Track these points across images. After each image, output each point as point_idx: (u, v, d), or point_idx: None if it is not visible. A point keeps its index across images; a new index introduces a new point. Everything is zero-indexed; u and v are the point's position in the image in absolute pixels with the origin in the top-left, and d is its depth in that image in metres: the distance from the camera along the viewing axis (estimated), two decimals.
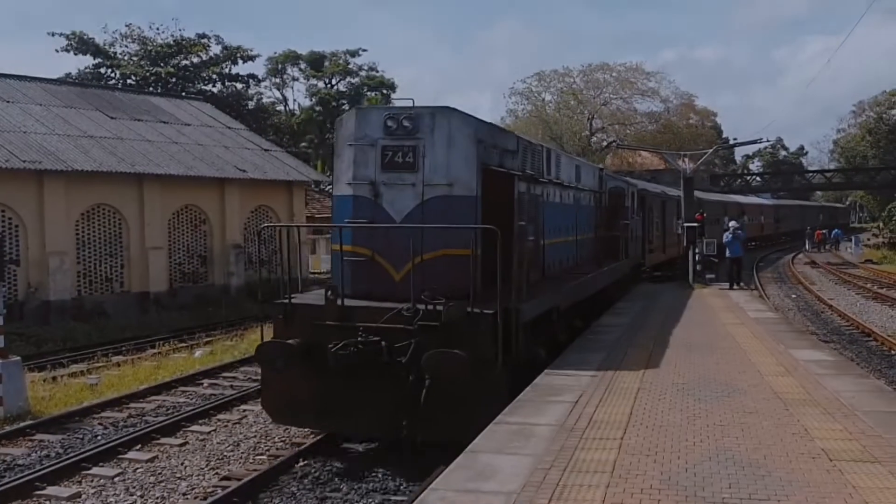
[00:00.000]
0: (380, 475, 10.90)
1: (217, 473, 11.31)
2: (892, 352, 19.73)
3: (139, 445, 12.54)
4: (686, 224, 29.95)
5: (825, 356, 14.16)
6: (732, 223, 29.91)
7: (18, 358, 15.12)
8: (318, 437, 12.35)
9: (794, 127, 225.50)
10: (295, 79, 77.10)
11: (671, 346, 14.80)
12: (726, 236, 28.11)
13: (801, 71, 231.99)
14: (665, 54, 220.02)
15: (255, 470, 11.08)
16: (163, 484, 10.95)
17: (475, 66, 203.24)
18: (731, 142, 66.78)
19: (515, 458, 7.77)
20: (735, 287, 26.99)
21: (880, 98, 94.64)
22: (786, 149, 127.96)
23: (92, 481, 11.07)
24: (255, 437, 13.06)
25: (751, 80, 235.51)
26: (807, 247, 71.62)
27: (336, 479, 10.83)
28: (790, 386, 11.19)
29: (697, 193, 37.10)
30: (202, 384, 17.42)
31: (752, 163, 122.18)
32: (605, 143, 69.96)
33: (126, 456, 12.04)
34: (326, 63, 73.77)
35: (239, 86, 63.60)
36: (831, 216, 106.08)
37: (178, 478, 11.19)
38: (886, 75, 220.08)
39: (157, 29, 61.63)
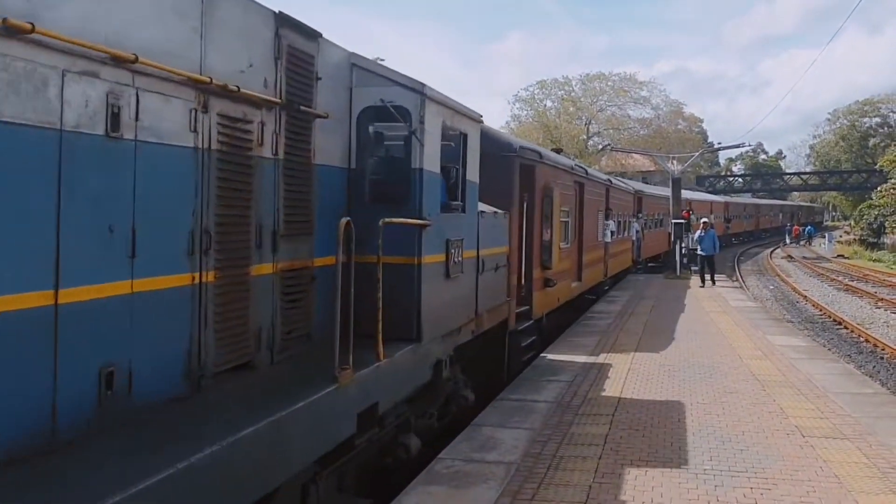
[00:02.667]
0: None
1: None
2: (861, 339, 19.63)
3: None
4: (674, 220, 29.81)
5: (799, 342, 14.13)
6: (704, 219, 26.96)
7: None
8: None
9: (774, 133, 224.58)
10: None
11: (658, 331, 14.78)
12: (698, 234, 25.12)
13: (785, 82, 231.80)
14: (661, 65, 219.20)
15: None
16: None
17: (488, 76, 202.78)
18: (716, 146, 66.40)
19: (516, 432, 7.77)
20: (704, 286, 24.21)
21: (853, 107, 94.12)
22: (766, 153, 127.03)
23: None
24: None
25: (739, 90, 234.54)
26: (786, 240, 71.37)
27: None
28: (767, 368, 11.17)
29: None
30: None
31: (735, 165, 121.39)
32: (600, 147, 69.63)
33: None
34: None
35: None
36: (806, 215, 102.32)
37: None
38: (865, 85, 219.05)
39: None
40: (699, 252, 25.03)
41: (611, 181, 22.87)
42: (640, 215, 29.15)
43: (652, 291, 22.66)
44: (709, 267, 24.85)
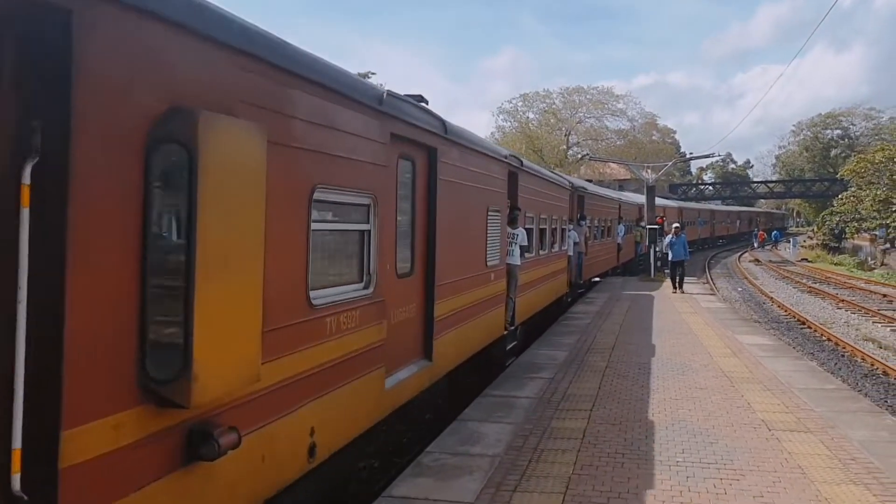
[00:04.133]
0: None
1: None
2: (823, 338, 19.76)
3: None
4: (648, 226, 29.97)
5: (766, 341, 14.20)
6: (676, 224, 25.09)
7: None
8: None
9: (746, 143, 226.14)
10: None
11: (634, 331, 14.83)
12: (669, 238, 23.70)
13: (756, 95, 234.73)
14: (640, 79, 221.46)
15: None
16: None
17: (478, 89, 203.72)
18: (688, 155, 67.02)
19: (499, 426, 7.77)
20: (676, 291, 22.96)
21: (816, 120, 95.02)
22: (735, 162, 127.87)
23: None
24: None
25: (714, 102, 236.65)
26: (754, 245, 71.91)
27: None
28: (736, 366, 11.23)
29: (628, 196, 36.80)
30: None
31: (706, 174, 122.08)
32: (579, 156, 69.92)
33: None
34: None
35: None
36: (766, 221, 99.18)
37: None
38: (831, 98, 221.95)
39: None
40: (670, 258, 23.63)
41: (521, 161, 13.45)
42: (584, 222, 21.31)
43: (628, 293, 22.73)
44: (680, 273, 23.59)
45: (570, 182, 21.17)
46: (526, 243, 13.01)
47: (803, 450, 7.01)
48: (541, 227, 15.19)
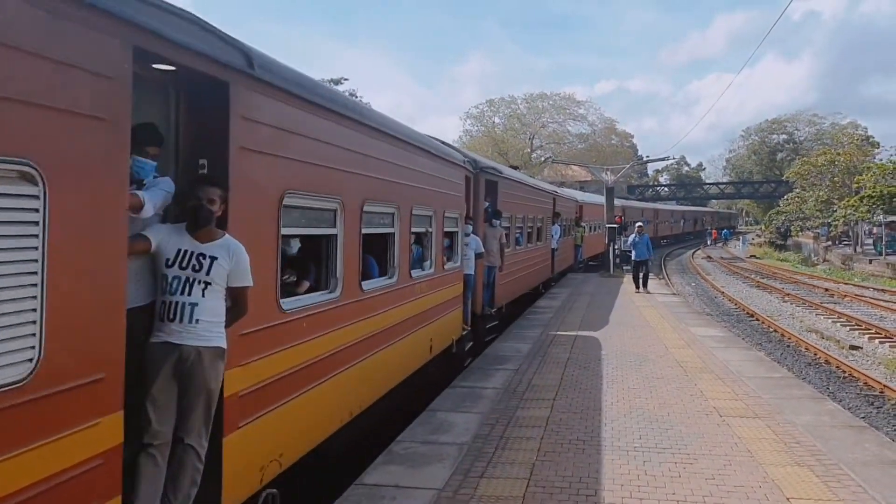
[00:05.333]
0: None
1: None
2: (770, 329, 20.10)
3: None
4: (608, 225, 30.21)
5: (717, 332, 14.40)
6: (639, 224, 23.53)
7: None
8: None
9: (700, 147, 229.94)
10: None
11: (594, 324, 14.93)
12: (632, 238, 22.16)
13: (710, 101, 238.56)
14: (602, 85, 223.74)
15: None
16: None
17: (449, 94, 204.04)
18: (645, 158, 67.78)
19: (467, 416, 7.77)
20: (639, 291, 21.53)
21: (763, 125, 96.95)
22: (688, 165, 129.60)
23: None
24: None
25: (672, 109, 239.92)
26: (708, 242, 73.08)
27: None
28: (689, 356, 11.36)
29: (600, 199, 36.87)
30: None
31: (662, 176, 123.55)
32: (542, 159, 70.33)
33: None
34: None
35: None
36: (712, 221, 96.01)
37: None
38: (782, 105, 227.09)
39: None
40: (633, 257, 22.10)
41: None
42: (497, 222, 13.81)
43: (588, 289, 22.89)
44: (644, 272, 22.05)
45: (467, 158, 12.42)
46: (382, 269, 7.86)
47: (752, 434, 7.13)
48: (386, 231, 7.82)
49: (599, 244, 31.13)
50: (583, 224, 30.58)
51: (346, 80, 45.44)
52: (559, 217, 24.38)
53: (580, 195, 31.40)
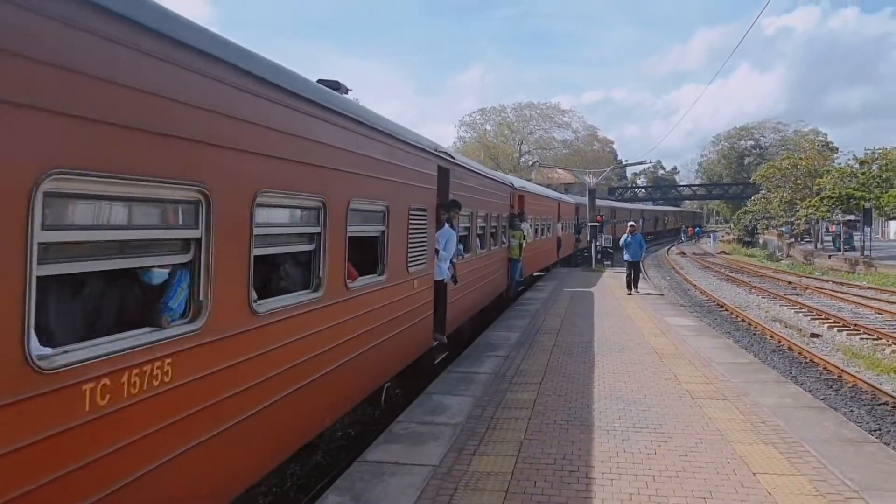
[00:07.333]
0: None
1: None
2: (738, 319, 20.17)
3: None
4: (589, 224, 30.28)
5: (690, 322, 14.45)
6: (631, 224, 20.21)
7: None
8: None
9: (677, 151, 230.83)
10: None
11: (578, 314, 14.95)
12: (624, 237, 19.29)
13: (689, 110, 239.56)
14: (589, 95, 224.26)
15: None
16: None
17: (449, 103, 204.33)
18: (624, 162, 68.09)
19: (460, 399, 7.77)
20: (631, 293, 18.85)
21: (732, 132, 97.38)
22: (664, 168, 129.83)
23: None
24: None
25: (653, 116, 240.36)
26: (682, 238, 73.33)
27: None
28: (664, 344, 11.39)
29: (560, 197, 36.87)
30: None
31: (639, 179, 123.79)
32: (530, 163, 70.41)
33: None
34: None
35: None
36: (675, 221, 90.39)
37: None
38: (754, 112, 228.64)
39: None
40: (625, 258, 19.26)
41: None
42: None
43: (573, 282, 22.93)
44: (635, 273, 19.44)
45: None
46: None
47: (721, 415, 7.15)
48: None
49: (498, 276, 15.71)
50: (523, 223, 17.50)
51: (349, 90, 45.15)
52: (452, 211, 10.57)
53: (519, 181, 21.02)
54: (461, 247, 11.06)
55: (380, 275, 7.08)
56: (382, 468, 5.59)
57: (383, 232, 7.15)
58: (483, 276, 13.46)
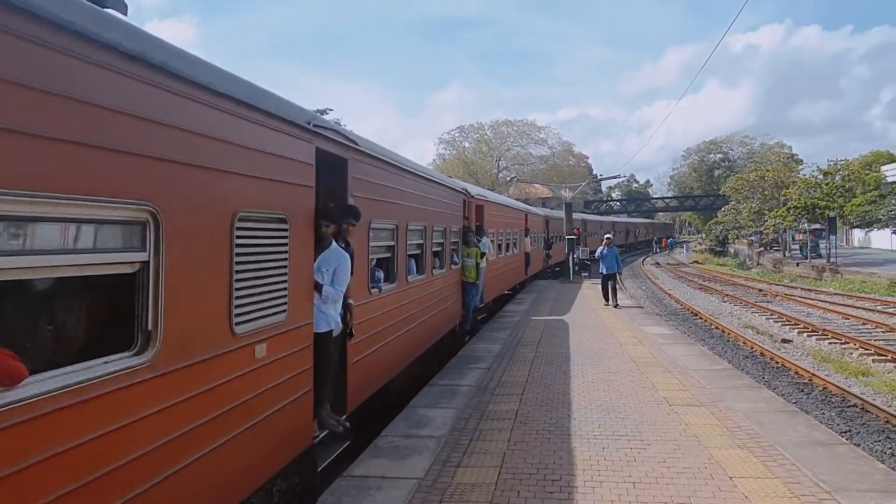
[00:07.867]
0: None
1: None
2: (712, 326, 20.34)
3: None
4: (567, 237, 30.46)
5: (666, 330, 14.53)
6: (608, 236, 19.59)
7: None
8: None
9: (651, 165, 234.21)
10: None
11: (557, 326, 14.99)
12: (600, 250, 18.67)
13: (661, 125, 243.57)
14: (565, 111, 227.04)
15: None
16: None
17: (429, 122, 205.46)
18: (599, 176, 68.71)
19: (444, 411, 7.73)
20: (608, 305, 18.32)
21: (702, 146, 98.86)
22: (637, 181, 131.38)
23: None
24: None
25: (627, 132, 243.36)
26: (655, 250, 74.00)
27: None
28: (642, 352, 11.44)
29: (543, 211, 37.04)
30: None
31: (614, 192, 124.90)
32: (508, 178, 70.81)
33: None
34: None
35: None
36: (646, 232, 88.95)
37: None
38: (724, 126, 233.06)
39: None
40: (601, 271, 18.66)
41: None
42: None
43: (551, 294, 23.00)
44: (612, 286, 18.66)
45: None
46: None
47: (698, 421, 7.19)
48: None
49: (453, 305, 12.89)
50: (480, 238, 14.82)
51: (330, 110, 45.33)
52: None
53: (475, 188, 18.03)
54: (380, 273, 8.12)
55: (136, 352, 3.49)
56: (368, 482, 5.53)
57: (145, 264, 3.55)
58: (418, 314, 9.84)
